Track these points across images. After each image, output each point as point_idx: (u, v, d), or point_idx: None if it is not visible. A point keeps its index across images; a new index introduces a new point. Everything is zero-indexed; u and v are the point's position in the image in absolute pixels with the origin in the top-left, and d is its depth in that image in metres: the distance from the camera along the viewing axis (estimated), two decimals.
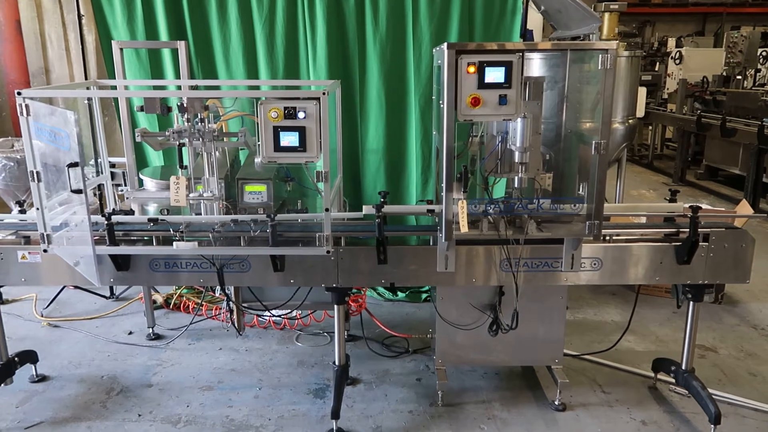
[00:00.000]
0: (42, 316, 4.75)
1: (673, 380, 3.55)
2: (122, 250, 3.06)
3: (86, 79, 4.75)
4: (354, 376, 3.83)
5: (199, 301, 4.75)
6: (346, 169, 4.48)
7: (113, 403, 3.59)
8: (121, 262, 3.18)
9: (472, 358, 3.58)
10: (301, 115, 2.80)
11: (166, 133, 3.05)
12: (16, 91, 2.82)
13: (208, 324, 4.62)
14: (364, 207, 3.22)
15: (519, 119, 2.90)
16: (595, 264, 3.18)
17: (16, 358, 3.60)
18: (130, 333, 4.50)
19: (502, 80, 2.72)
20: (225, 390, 3.73)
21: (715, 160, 9.39)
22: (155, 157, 4.77)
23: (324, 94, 2.78)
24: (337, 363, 3.45)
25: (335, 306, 3.34)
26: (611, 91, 2.78)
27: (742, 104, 8.93)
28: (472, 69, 2.67)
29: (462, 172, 2.89)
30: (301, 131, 2.83)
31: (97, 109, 3.54)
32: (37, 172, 2.92)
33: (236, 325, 3.82)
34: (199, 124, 3.07)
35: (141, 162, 4.67)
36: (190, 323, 4.48)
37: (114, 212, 3.40)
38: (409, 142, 4.66)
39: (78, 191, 2.63)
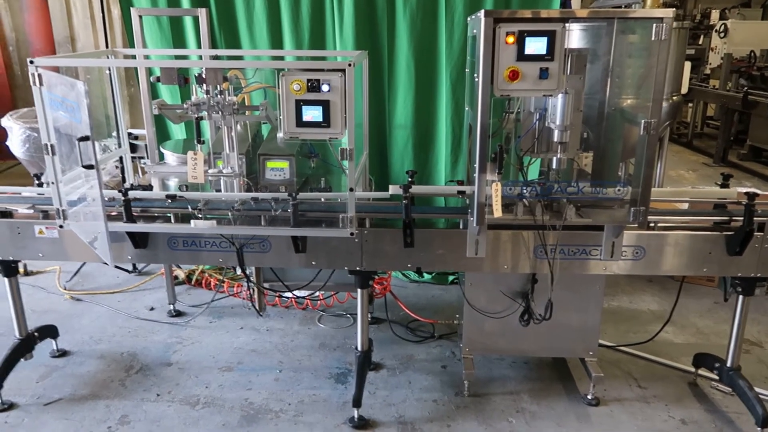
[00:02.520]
0: (65, 289, 4.73)
1: (716, 377, 3.34)
2: (137, 227, 2.95)
3: (107, 47, 4.62)
4: (377, 361, 3.71)
5: (221, 278, 4.66)
6: (372, 145, 4.29)
7: (132, 381, 3.53)
8: (139, 240, 3.08)
9: (500, 348, 3.41)
10: (325, 88, 2.63)
11: (184, 106, 2.90)
12: (28, 60, 2.69)
13: (230, 301, 4.53)
14: (390, 187, 3.04)
15: (560, 95, 2.68)
16: (637, 253, 2.96)
17: (35, 333, 3.55)
18: (152, 309, 4.44)
19: (543, 52, 2.48)
20: (245, 371, 3.64)
21: (761, 140, 8.92)
22: (177, 130, 4.65)
23: (350, 65, 2.59)
24: (359, 349, 3.31)
25: (359, 290, 3.19)
26: (665, 65, 2.52)
27: None
28: (511, 39, 2.45)
29: (497, 152, 2.68)
30: (325, 105, 2.66)
31: (114, 79, 3.41)
32: (51, 146, 2.80)
33: (257, 306, 3.71)
34: (219, 96, 2.91)
35: (163, 134, 4.56)
36: (212, 300, 4.40)
37: (132, 188, 3.29)
38: (439, 117, 4.44)
39: (89, 167, 2.50)
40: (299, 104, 2.66)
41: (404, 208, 2.87)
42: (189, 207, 2.99)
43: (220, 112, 2.92)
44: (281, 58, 4.30)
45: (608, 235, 2.89)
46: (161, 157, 3.93)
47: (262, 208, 3.01)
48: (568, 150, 2.86)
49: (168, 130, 4.64)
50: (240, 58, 4.20)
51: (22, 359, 3.48)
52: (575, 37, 3.24)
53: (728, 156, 9.38)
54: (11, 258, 3.25)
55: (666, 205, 3.42)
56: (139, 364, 3.72)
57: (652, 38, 2.48)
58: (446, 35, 4.15)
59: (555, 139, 2.82)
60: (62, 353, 3.81)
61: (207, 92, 2.91)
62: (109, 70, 3.51)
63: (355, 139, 2.71)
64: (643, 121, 2.56)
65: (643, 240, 2.94)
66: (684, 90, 5.80)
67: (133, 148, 4.06)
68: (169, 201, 3.01)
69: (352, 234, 2.82)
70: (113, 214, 3.03)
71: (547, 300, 3.00)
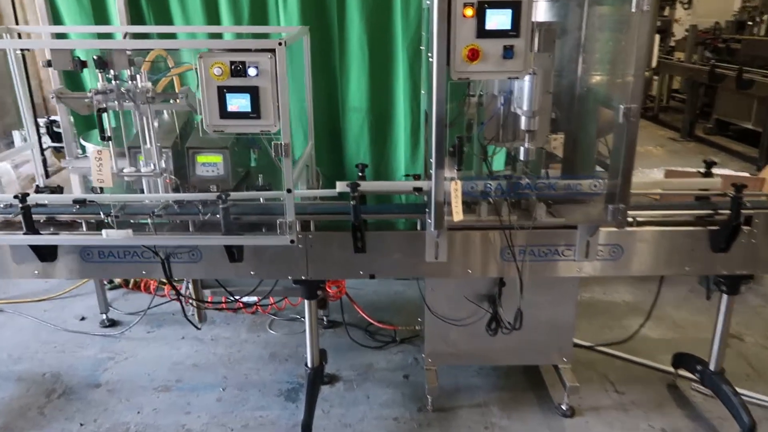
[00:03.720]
0: None
1: (698, 379, 3.09)
2: (33, 239, 2.50)
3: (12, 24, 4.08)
4: (332, 373, 3.36)
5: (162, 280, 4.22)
6: (323, 131, 3.90)
7: (53, 408, 3.12)
8: (45, 252, 2.64)
9: (466, 357, 3.09)
10: (252, 71, 2.21)
11: (88, 95, 2.45)
12: None
13: (172, 306, 4.09)
14: (337, 184, 2.66)
15: (527, 77, 2.32)
16: (614, 252, 2.65)
17: None
18: (83, 319, 4.01)
19: (507, 27, 2.11)
20: (183, 391, 3.26)
21: (727, 114, 8.76)
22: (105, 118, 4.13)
23: (280, 44, 2.18)
24: (309, 365, 2.96)
25: (305, 301, 2.83)
26: (646, 40, 2.19)
27: (760, 53, 8.23)
28: (469, 12, 2.06)
29: (455, 144, 2.33)
30: (254, 92, 2.25)
31: (12, 61, 2.91)
32: None
33: (195, 318, 3.32)
34: (130, 82, 2.47)
35: (87, 123, 4.05)
36: (149, 307, 3.95)
37: (38, 190, 2.85)
38: (396, 99, 4.05)
39: None
40: (222, 91, 2.25)
41: (353, 210, 2.50)
42: (101, 213, 2.56)
43: (132, 101, 2.49)
44: (219, 35, 3.83)
45: (582, 233, 2.58)
46: (83, 150, 3.47)
47: (189, 212, 2.61)
48: (536, 138, 2.52)
49: (93, 118, 4.13)
50: (172, 36, 3.73)
51: None
52: (542, 8, 2.88)
53: (695, 130, 9.23)
54: None
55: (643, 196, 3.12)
56: (62, 386, 3.29)
57: (633, 9, 2.14)
58: (402, 7, 3.74)
59: (522, 127, 2.47)
60: None
61: (116, 77, 2.48)
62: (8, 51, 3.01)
63: (297, 129, 2.32)
64: (621, 107, 2.22)
65: (620, 238, 2.63)
66: (653, 64, 5.52)
67: (60, 137, 3.58)
68: (77, 206, 2.59)
69: (292, 242, 2.44)
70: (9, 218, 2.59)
71: (516, 308, 2.67)
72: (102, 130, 2.46)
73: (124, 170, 2.62)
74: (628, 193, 2.31)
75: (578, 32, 2.63)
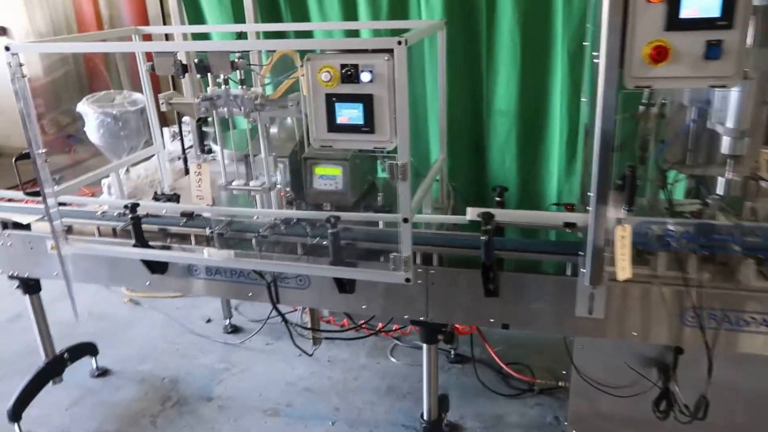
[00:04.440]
0: (126, 289, 4.38)
1: None
2: (132, 252, 2.35)
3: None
4: (455, 421, 2.91)
5: None
6: (463, 138, 3.44)
7: (164, 418, 3.04)
8: (155, 265, 2.49)
9: None
10: (365, 77, 1.82)
11: (195, 101, 2.23)
12: (5, 46, 2.14)
13: (293, 317, 3.91)
14: (468, 210, 2.21)
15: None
16: None
17: (65, 355, 3.15)
18: (209, 321, 3.96)
19: (715, 13, 1.49)
20: (293, 418, 3.01)
21: None
22: (240, 119, 4.04)
23: (400, 43, 1.75)
24: (425, 417, 2.55)
25: (424, 345, 2.41)
26: None
27: None
28: None
29: (626, 175, 1.74)
30: (367, 101, 1.86)
31: (141, 63, 2.82)
32: (40, 153, 2.26)
33: (310, 341, 3.06)
34: (240, 87, 2.21)
35: (224, 125, 3.97)
36: (268, 317, 3.75)
37: (155, 197, 2.73)
38: (552, 102, 3.42)
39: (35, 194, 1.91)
40: (331, 100, 1.88)
41: (484, 247, 2.01)
42: (207, 229, 2.36)
43: (240, 107, 2.23)
44: (356, 32, 3.50)
45: None
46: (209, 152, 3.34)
47: (296, 233, 2.31)
48: (743, 165, 1.85)
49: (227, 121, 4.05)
50: (310, 34, 3.48)
51: (51, 383, 3.11)
52: None
53: None
54: (28, 275, 2.82)
55: None
56: (177, 394, 3.22)
57: None
58: None
59: (724, 150, 1.82)
60: (102, 372, 3.42)
61: (226, 81, 2.23)
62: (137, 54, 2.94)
63: (434, 138, 1.89)
64: None
65: None
66: None
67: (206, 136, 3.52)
68: (185, 219, 2.40)
69: (407, 280, 2.02)
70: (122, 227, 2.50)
71: (700, 393, 2.00)
72: (201, 143, 2.23)
73: (233, 183, 2.38)
74: None
75: None
